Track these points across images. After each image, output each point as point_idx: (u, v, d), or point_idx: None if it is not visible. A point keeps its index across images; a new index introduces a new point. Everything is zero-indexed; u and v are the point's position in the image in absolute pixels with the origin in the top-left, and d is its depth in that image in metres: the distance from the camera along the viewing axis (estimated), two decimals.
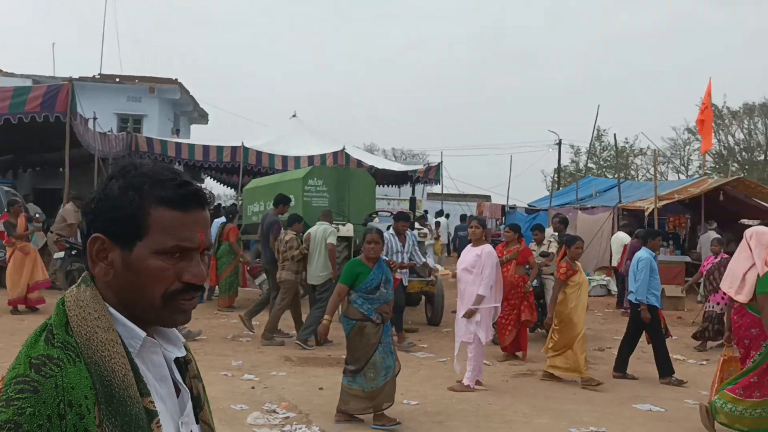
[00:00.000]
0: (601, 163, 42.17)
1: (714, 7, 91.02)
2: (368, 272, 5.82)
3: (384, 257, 8.92)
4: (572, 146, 43.43)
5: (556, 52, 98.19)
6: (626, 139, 41.70)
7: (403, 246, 9.26)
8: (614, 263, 14.05)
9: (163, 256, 1.21)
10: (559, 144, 38.79)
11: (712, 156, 41.00)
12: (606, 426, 6.07)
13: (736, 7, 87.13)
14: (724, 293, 9.59)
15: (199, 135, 22.22)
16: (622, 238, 13.65)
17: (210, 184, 23.85)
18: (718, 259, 10.11)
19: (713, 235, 13.48)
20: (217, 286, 11.87)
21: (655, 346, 8.00)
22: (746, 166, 40.54)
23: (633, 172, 42.75)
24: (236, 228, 11.59)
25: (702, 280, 11.11)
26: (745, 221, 18.51)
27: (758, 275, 5.43)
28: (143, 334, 1.23)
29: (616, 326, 11.87)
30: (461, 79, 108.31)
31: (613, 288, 14.85)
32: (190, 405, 1.33)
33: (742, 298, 5.61)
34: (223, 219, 11.74)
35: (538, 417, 6.31)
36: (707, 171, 38.52)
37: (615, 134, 27.57)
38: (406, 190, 23.33)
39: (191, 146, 16.95)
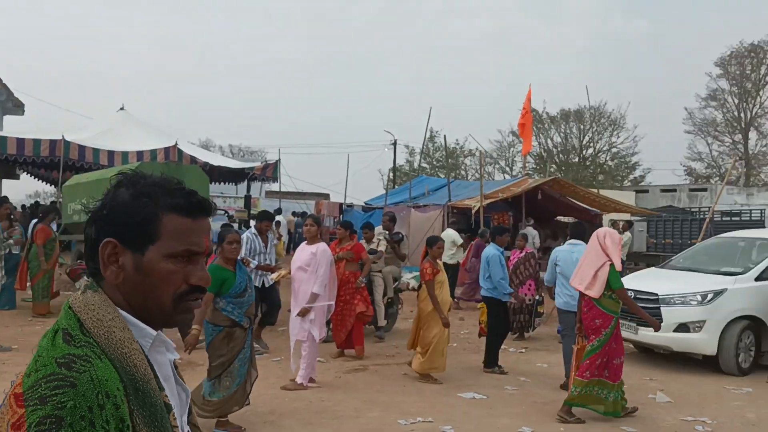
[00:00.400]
0: (434, 163, 43.98)
1: (537, 20, 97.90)
2: (233, 276, 5.60)
3: (247, 258, 8.64)
4: (407, 146, 44.98)
5: (393, 55, 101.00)
6: (457, 140, 43.93)
7: (266, 246, 9.06)
8: (444, 259, 14.65)
9: (173, 259, 1.30)
10: (395, 144, 39.97)
11: (533, 158, 44.12)
12: (432, 415, 6.34)
13: (556, 22, 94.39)
14: (531, 285, 10.35)
15: (13, 126, 20.31)
16: (450, 234, 14.27)
17: (27, 180, 21.96)
18: (524, 253, 10.65)
19: (531, 231, 14.49)
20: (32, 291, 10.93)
21: (491, 339, 8.41)
22: (563, 167, 44.03)
23: (463, 172, 45.01)
24: (45, 229, 10.67)
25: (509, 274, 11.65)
26: (560, 218, 20.13)
27: (612, 271, 6.24)
28: (154, 332, 1.31)
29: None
30: (301, 77, 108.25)
31: None
32: (190, 405, 1.41)
33: (594, 293, 6.31)
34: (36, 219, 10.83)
35: (369, 411, 6.45)
36: (529, 172, 41.41)
37: (445, 136, 28.77)
38: (243, 188, 22.92)
39: (2, 138, 15.50)
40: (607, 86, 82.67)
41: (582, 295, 6.47)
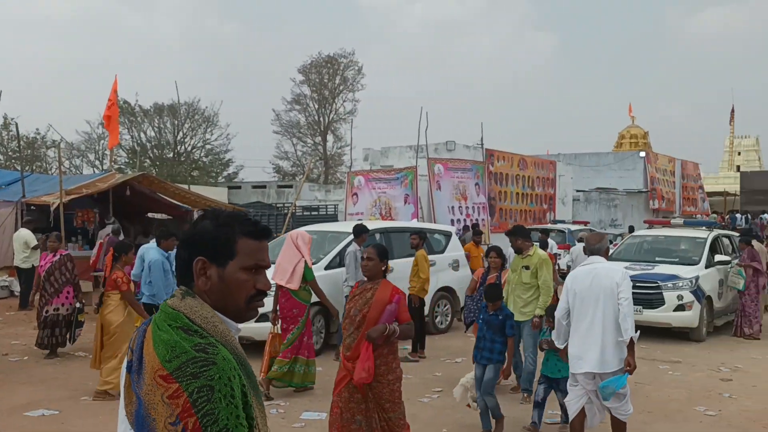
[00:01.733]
0: (10, 154, 39.03)
1: (130, 9, 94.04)
2: None
3: None
4: None
5: None
6: (38, 129, 39.62)
7: None
8: (17, 262, 13.07)
9: (247, 271, 1.76)
10: None
11: (126, 152, 42.31)
12: None
13: (152, 14, 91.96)
14: (69, 292, 9.22)
15: None
16: (23, 235, 12.81)
17: None
18: (58, 256, 9.18)
19: (109, 229, 13.77)
20: None
21: None
22: (158, 162, 43.16)
23: (47, 165, 40.88)
24: None
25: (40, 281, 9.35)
26: (151, 215, 19.64)
27: (306, 266, 7.50)
28: (239, 326, 1.80)
29: (17, 329, 11.09)
30: None
31: (17, 288, 13.84)
32: None
33: (293, 285, 7.46)
34: None
35: None
36: (121, 166, 39.62)
37: (17, 123, 25.55)
38: None
39: None
40: (201, 83, 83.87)
41: (279, 288, 7.45)
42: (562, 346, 5.60)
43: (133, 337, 1.72)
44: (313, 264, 7.91)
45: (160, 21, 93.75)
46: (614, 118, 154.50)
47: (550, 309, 6.54)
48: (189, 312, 1.66)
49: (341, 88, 50.62)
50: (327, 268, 9.74)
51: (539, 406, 6.32)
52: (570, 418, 5.60)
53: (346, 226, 11.11)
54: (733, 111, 63.15)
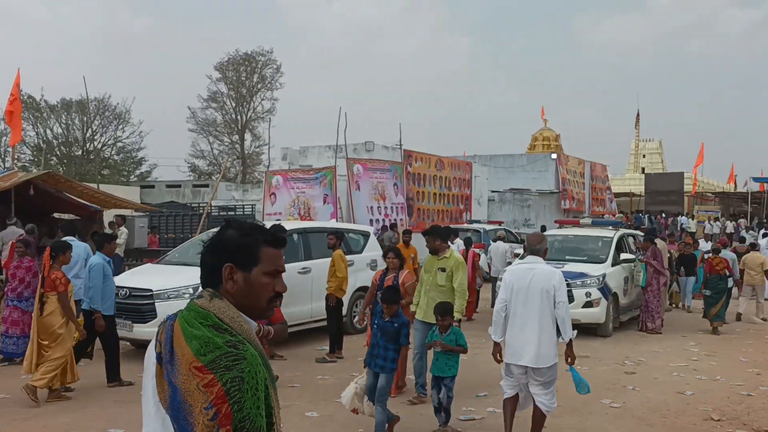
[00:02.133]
0: None
1: (36, 1, 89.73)
2: None
3: None
4: None
5: None
6: None
7: None
8: None
9: (268, 276, 2.00)
10: None
11: (30, 149, 40.38)
12: None
13: (59, 6, 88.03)
14: None
15: None
16: None
17: None
18: None
19: (16, 229, 13.10)
20: None
21: (108, 352, 7.83)
22: (65, 161, 41.39)
23: None
24: None
25: None
26: (58, 215, 18.80)
27: None
28: (256, 324, 2.07)
29: None
30: None
31: None
32: None
33: None
34: None
35: None
36: (25, 164, 37.76)
37: None
38: None
39: None
40: (112, 79, 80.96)
41: None
42: (499, 339, 5.79)
43: (159, 329, 1.92)
44: None
45: (68, 14, 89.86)
46: (528, 121, 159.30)
47: (439, 307, 6.48)
48: (218, 312, 1.89)
49: (259, 86, 50.00)
50: None
51: (437, 410, 6.30)
52: (504, 397, 5.89)
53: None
54: (638, 116, 66.04)
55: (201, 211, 23.15)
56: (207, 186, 35.23)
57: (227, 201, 29.08)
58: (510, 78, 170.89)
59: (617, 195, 45.18)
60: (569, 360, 5.74)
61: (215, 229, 2.70)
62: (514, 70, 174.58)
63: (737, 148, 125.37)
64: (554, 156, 35.13)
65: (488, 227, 20.99)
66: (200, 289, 2.00)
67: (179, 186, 36.49)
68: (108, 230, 15.70)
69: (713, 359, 10.15)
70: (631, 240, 13.69)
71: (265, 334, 4.54)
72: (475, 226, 21.38)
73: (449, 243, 7.94)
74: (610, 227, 14.04)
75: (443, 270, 7.38)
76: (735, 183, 51.18)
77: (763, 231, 27.41)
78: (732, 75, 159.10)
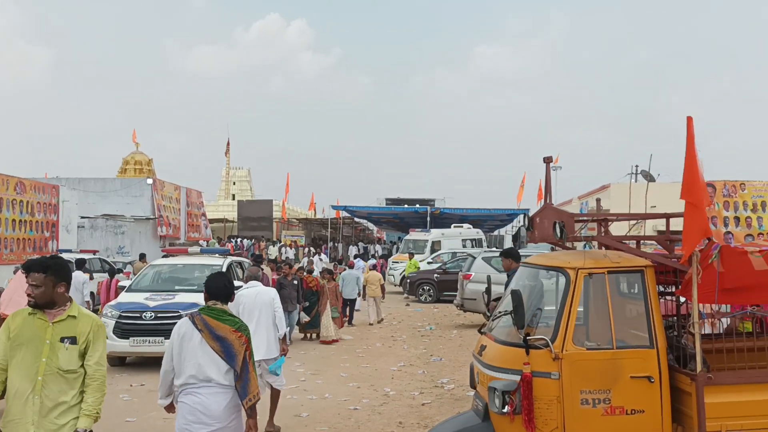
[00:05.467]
0: None
1: None
2: None
3: None
4: None
5: None
6: None
7: None
8: None
9: None
10: None
11: None
12: None
13: None
14: None
15: None
16: None
17: None
18: None
19: None
20: None
21: None
22: None
23: None
24: None
25: None
26: None
27: None
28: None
29: None
30: None
31: None
32: None
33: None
34: None
35: None
36: None
37: None
38: None
39: None
40: None
41: None
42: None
43: (193, 318, 4.58)
44: None
45: None
46: (118, 144, 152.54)
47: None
48: (227, 309, 4.66)
49: None
50: None
51: None
52: None
53: None
54: (228, 144, 68.19)
55: None
56: None
57: None
58: (97, 98, 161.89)
59: (212, 221, 46.02)
60: (283, 352, 7.96)
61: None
62: (101, 89, 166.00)
63: (316, 178, 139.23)
64: (150, 181, 34.18)
65: (80, 256, 19.16)
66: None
67: None
68: None
69: (319, 377, 10.80)
70: (239, 269, 13.85)
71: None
72: (66, 255, 19.29)
73: None
74: (217, 255, 14.04)
75: None
76: (315, 210, 56.45)
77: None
78: (307, 113, 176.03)
